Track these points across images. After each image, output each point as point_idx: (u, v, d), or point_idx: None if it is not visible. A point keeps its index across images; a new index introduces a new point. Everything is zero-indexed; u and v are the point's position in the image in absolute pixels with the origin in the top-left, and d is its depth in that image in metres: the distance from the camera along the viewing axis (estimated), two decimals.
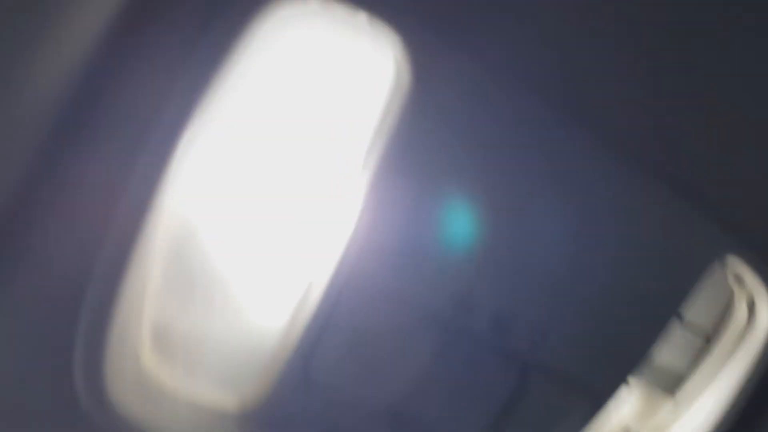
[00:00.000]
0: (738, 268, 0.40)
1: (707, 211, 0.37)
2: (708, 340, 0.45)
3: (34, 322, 0.31)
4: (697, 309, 0.43)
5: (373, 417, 0.37)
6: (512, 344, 0.36)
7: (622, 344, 0.38)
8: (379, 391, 0.36)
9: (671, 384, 0.46)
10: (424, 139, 0.33)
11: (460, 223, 0.35)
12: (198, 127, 0.31)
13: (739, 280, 0.42)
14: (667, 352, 0.43)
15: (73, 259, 0.30)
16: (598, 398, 0.39)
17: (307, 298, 0.35)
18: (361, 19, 0.31)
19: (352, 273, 0.34)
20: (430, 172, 0.34)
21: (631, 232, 0.37)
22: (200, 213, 0.34)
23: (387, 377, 0.36)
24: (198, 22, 0.30)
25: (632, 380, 0.40)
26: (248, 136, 0.33)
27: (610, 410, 0.39)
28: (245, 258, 0.35)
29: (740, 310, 0.44)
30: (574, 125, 0.35)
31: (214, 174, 0.34)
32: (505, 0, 0.32)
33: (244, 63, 0.31)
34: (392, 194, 0.34)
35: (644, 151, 0.36)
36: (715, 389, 0.44)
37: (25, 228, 0.30)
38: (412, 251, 0.34)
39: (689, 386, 0.45)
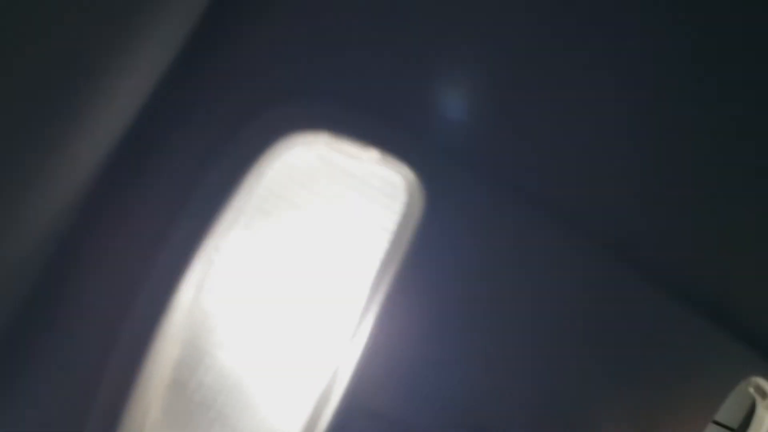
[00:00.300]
0: (761, 383, 0.39)
1: (733, 335, 0.36)
2: None
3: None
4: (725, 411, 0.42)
5: None
6: None
7: None
8: None
9: None
10: (437, 261, 0.33)
11: (471, 344, 0.34)
12: (210, 246, 0.30)
13: (762, 392, 0.41)
14: None
15: (85, 360, 0.30)
16: None
17: (314, 424, 0.34)
18: (373, 153, 0.30)
19: (361, 402, 0.33)
20: (443, 297, 0.33)
21: (652, 351, 0.36)
22: (209, 328, 0.34)
23: None
24: (208, 150, 0.30)
25: None
26: (258, 262, 0.32)
27: None
28: (254, 371, 0.35)
29: (763, 417, 0.43)
30: (595, 246, 0.34)
31: (223, 293, 0.33)
32: (511, 123, 0.32)
33: (253, 192, 0.31)
34: (402, 320, 0.33)
35: (669, 273, 0.35)
36: None
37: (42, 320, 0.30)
38: (422, 378, 0.34)
39: None
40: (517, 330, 0.34)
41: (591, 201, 0.34)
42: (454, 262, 0.33)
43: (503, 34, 0.31)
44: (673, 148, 0.34)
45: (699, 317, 0.36)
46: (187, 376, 0.33)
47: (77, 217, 0.29)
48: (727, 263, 0.36)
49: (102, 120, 0.26)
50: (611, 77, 0.33)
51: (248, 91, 0.29)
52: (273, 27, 0.30)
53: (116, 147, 0.28)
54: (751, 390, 0.41)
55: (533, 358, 0.35)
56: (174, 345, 0.32)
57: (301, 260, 0.33)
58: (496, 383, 0.35)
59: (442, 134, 0.32)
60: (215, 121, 0.30)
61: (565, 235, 0.34)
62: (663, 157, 0.34)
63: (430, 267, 0.33)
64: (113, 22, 0.23)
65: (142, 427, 0.32)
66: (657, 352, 0.37)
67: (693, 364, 0.37)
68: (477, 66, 0.32)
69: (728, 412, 0.43)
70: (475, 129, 0.32)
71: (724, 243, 0.36)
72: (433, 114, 0.32)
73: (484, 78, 0.32)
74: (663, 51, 0.33)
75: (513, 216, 0.33)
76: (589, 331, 0.35)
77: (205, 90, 0.29)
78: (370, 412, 0.33)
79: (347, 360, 0.33)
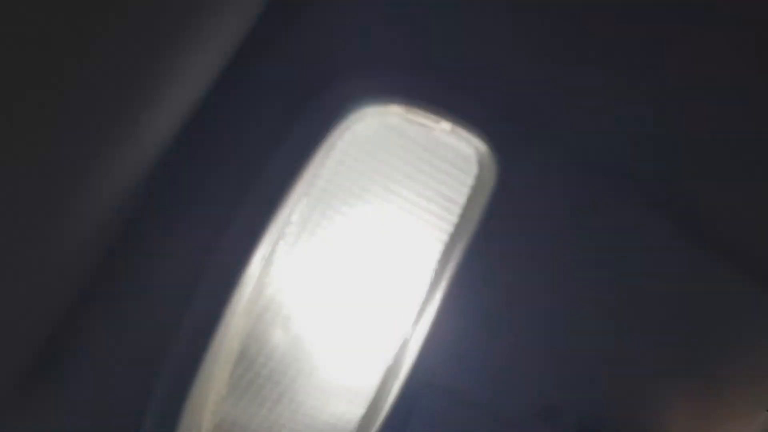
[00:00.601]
0: None
1: None
2: None
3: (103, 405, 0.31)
4: None
5: None
6: None
7: None
8: None
9: None
10: (509, 235, 0.32)
11: (540, 320, 0.33)
12: (280, 220, 0.30)
13: None
14: None
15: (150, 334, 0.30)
16: None
17: (382, 400, 0.34)
18: (445, 125, 0.30)
19: (429, 377, 0.33)
20: (513, 271, 0.33)
21: (718, 329, 0.35)
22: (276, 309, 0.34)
23: None
24: (281, 123, 0.30)
25: None
26: (327, 236, 0.32)
27: None
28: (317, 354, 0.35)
29: None
30: (673, 223, 0.33)
31: (292, 271, 0.33)
32: (585, 96, 0.31)
33: (324, 165, 0.30)
34: (471, 295, 0.32)
35: (747, 250, 0.33)
36: None
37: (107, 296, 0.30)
38: (492, 356, 0.33)
39: None
40: (587, 306, 0.34)
41: (669, 176, 0.33)
42: (525, 236, 0.33)
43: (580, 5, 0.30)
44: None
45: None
46: (255, 351, 0.33)
47: (150, 188, 0.29)
48: None
49: (177, 94, 0.26)
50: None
51: (321, 63, 0.29)
52: None
53: (190, 121, 0.28)
54: None
55: (603, 334, 0.34)
56: (243, 319, 0.32)
57: (370, 233, 0.32)
58: (564, 360, 0.34)
59: (515, 106, 0.31)
60: (288, 93, 0.30)
61: (640, 210, 0.33)
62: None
63: (501, 241, 0.32)
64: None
65: (207, 400, 0.33)
66: (731, 335, 0.36)
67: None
68: (551, 39, 0.31)
69: None
70: (548, 102, 0.31)
71: None
72: (507, 86, 0.31)
73: (556, 51, 0.31)
74: None
75: (586, 190, 0.32)
76: (663, 308, 0.34)
77: (277, 63, 0.29)
78: (438, 387, 0.33)
79: (415, 334, 0.33)
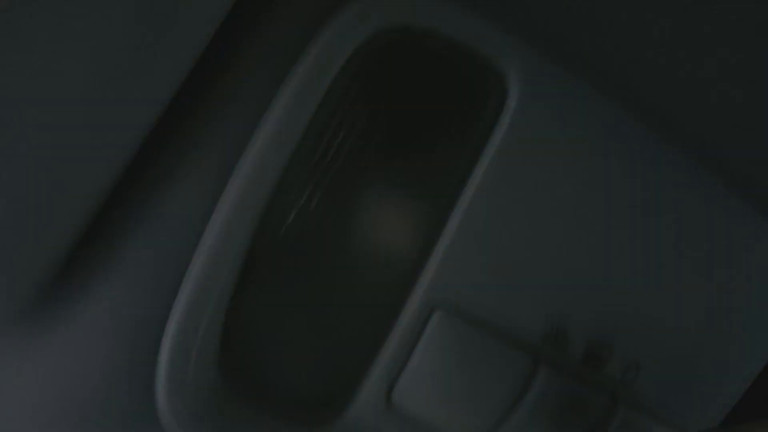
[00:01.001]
0: None
1: None
2: None
3: (120, 328, 0.31)
4: None
5: None
6: (604, 375, 0.36)
7: (716, 384, 0.37)
8: (456, 419, 0.36)
9: None
10: (527, 157, 0.33)
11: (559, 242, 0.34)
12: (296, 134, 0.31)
13: None
14: None
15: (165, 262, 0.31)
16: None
17: (402, 312, 0.34)
18: (464, 48, 0.30)
19: (442, 295, 0.33)
20: (533, 193, 0.33)
21: (729, 261, 0.36)
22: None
23: (474, 404, 0.35)
24: (297, 41, 0.30)
25: None
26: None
27: None
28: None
29: None
30: (687, 152, 0.33)
31: None
32: (606, 18, 0.31)
33: (340, 83, 0.30)
34: (490, 215, 0.33)
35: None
36: None
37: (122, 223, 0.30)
38: (504, 277, 0.34)
39: None
40: (596, 232, 0.34)
41: (687, 105, 0.33)
42: (545, 158, 0.33)
43: None
44: None
45: None
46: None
47: (172, 100, 0.29)
48: None
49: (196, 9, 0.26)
50: None
51: None
52: None
53: (209, 36, 0.28)
54: None
55: (612, 261, 0.35)
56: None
57: (392, 150, 0.33)
58: (573, 284, 0.34)
59: (535, 28, 0.31)
60: (303, 11, 0.30)
61: (661, 138, 0.33)
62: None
63: (521, 163, 0.33)
64: None
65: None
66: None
67: None
68: None
69: None
70: (568, 24, 0.31)
71: None
72: (527, 7, 0.31)
73: None
74: None
75: (606, 115, 0.33)
76: (671, 236, 0.35)
77: None
78: (451, 305, 0.34)
79: (433, 252, 0.33)
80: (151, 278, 0.31)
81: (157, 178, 0.30)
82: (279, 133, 0.30)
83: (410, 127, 0.32)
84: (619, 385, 0.36)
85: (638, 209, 0.34)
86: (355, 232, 0.34)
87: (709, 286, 0.36)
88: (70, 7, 0.23)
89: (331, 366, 0.35)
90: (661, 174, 0.34)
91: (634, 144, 0.33)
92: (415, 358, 0.34)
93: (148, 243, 0.31)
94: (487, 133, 0.32)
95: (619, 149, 0.33)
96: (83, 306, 0.30)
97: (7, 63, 0.23)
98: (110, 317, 0.31)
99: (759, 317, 0.37)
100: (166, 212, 0.31)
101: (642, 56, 0.32)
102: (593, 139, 0.33)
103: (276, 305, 0.34)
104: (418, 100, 0.32)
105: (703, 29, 0.32)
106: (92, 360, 0.31)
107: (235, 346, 0.34)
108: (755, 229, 0.36)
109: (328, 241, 0.34)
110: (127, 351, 0.31)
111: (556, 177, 0.33)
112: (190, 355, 0.31)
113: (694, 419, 0.37)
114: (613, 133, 0.33)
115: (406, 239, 0.34)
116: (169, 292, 0.31)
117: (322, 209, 0.33)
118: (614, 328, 0.35)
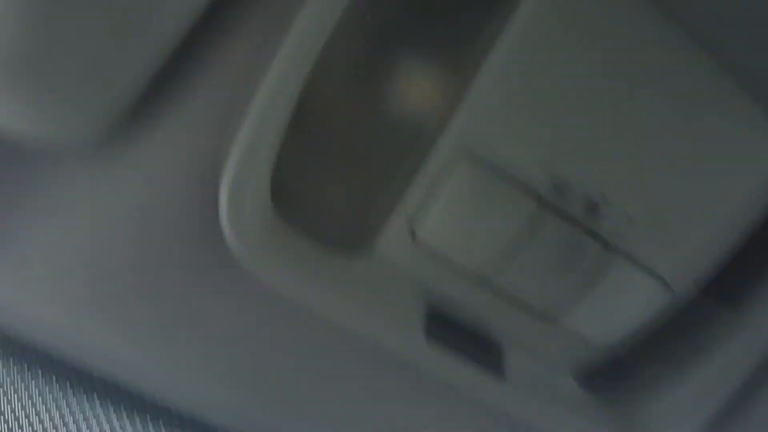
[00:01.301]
0: None
1: None
2: None
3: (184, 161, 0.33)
4: None
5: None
6: (600, 227, 0.39)
7: (708, 241, 0.41)
8: (472, 256, 0.40)
9: None
10: (552, 28, 0.35)
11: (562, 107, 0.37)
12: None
13: None
14: None
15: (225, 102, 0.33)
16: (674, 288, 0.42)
17: (429, 156, 0.37)
18: None
19: (465, 142, 0.37)
20: (552, 59, 0.36)
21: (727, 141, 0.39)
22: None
23: (479, 243, 0.39)
24: None
25: None
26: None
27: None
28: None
29: None
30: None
31: None
32: None
33: None
34: (516, 69, 0.36)
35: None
36: None
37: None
38: (523, 123, 0.37)
39: None
40: (602, 96, 0.37)
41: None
42: (566, 30, 0.35)
43: None
44: None
45: None
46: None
47: None
48: None
49: None
50: None
51: None
52: None
53: None
54: None
55: (614, 123, 0.38)
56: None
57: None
58: (578, 141, 0.38)
59: None
60: None
61: (678, 39, 0.35)
62: None
63: (545, 33, 0.35)
64: None
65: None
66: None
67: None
68: None
69: None
70: None
71: None
72: None
73: None
74: None
75: (627, 13, 0.34)
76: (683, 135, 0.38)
77: None
78: (471, 153, 0.37)
79: (460, 105, 0.36)
80: (216, 118, 0.33)
81: (224, 29, 0.31)
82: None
83: None
84: (612, 236, 0.40)
85: (642, 88, 0.37)
86: (389, 90, 0.37)
87: (697, 150, 0.39)
88: None
89: (364, 203, 0.40)
90: (666, 57, 0.36)
91: (644, 24, 0.36)
92: (440, 199, 0.38)
93: (214, 87, 0.32)
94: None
95: (630, 32, 0.36)
96: (163, 130, 0.33)
97: None
98: (182, 147, 0.33)
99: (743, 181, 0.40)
100: (231, 61, 0.32)
101: None
102: (609, 20, 0.35)
103: (318, 151, 0.38)
104: None
105: None
106: (169, 179, 0.34)
107: (284, 182, 0.37)
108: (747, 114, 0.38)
109: (363, 94, 0.37)
110: (198, 173, 0.34)
111: (575, 49, 0.35)
112: (247, 187, 0.34)
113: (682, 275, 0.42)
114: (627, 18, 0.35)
115: (435, 94, 0.37)
116: (233, 131, 0.33)
117: (362, 68, 0.37)
118: (612, 186, 0.38)
